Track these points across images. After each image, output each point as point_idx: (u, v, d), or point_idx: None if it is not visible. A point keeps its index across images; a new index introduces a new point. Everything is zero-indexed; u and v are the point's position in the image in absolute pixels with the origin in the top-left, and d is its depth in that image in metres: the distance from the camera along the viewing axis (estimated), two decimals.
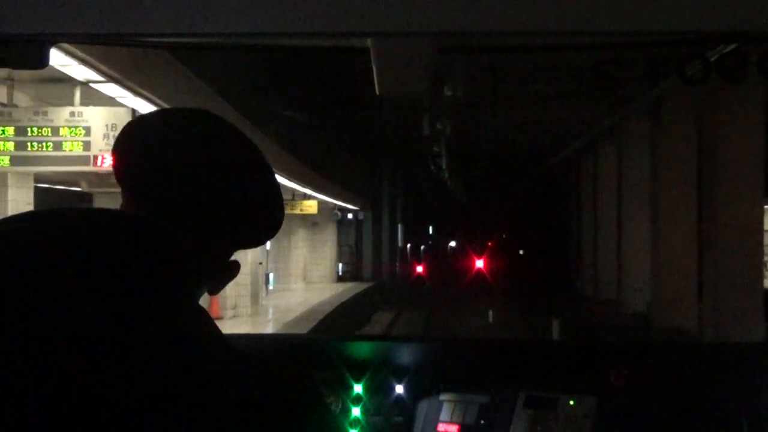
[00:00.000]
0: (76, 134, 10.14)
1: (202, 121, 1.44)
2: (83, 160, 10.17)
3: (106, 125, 10.13)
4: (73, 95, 10.23)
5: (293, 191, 25.05)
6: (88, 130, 10.14)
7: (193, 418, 1.15)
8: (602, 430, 2.52)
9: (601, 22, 1.39)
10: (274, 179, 1.48)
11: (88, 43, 3.87)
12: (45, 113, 10.27)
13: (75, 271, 1.20)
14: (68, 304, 1.16)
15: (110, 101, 10.16)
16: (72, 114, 10.22)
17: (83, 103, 10.27)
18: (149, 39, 1.72)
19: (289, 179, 20.32)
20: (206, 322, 1.28)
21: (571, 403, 2.57)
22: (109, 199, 16.97)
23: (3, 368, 1.12)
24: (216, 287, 1.48)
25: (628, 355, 2.71)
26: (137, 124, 1.44)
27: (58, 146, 10.18)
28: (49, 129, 10.18)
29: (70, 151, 10.17)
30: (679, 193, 18.61)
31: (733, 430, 2.48)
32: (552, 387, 2.62)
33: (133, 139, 1.41)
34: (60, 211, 1.32)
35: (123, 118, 10.07)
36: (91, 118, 10.17)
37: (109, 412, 1.11)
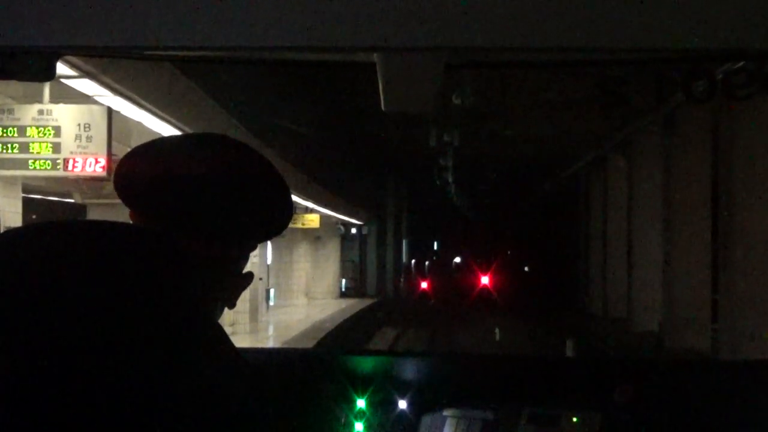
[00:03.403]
0: (45, 135, 9.26)
1: (210, 138, 1.50)
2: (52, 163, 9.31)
3: (78, 125, 9.29)
4: (41, 91, 9.34)
5: (295, 205, 25.04)
6: (57, 131, 9.27)
7: (191, 426, 1.15)
8: None
9: (607, 38, 1.39)
10: (284, 190, 1.54)
11: (95, 55, 3.88)
12: (11, 111, 9.35)
13: (81, 282, 1.20)
14: (74, 314, 1.17)
15: (83, 99, 9.29)
16: (40, 112, 9.34)
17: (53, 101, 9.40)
18: (156, 52, 1.73)
19: (291, 192, 20.24)
20: (214, 334, 1.29)
21: (575, 419, 2.56)
22: (103, 211, 16.79)
23: (11, 373, 1.12)
24: (231, 299, 1.50)
25: (633, 373, 2.70)
26: (148, 146, 1.49)
27: (24, 148, 9.30)
28: (15, 129, 9.29)
29: (38, 153, 9.29)
30: (692, 208, 18.33)
31: None
32: (556, 403, 2.61)
33: (144, 158, 1.46)
34: (67, 223, 1.33)
35: (97, 117, 9.34)
36: (61, 117, 9.31)
37: (110, 417, 1.11)
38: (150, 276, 1.25)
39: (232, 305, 1.52)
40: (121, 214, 1.45)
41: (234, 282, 1.50)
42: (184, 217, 1.39)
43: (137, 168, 1.44)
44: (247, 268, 1.54)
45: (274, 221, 1.51)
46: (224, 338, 1.30)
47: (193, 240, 1.38)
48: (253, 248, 1.53)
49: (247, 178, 1.47)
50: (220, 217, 1.41)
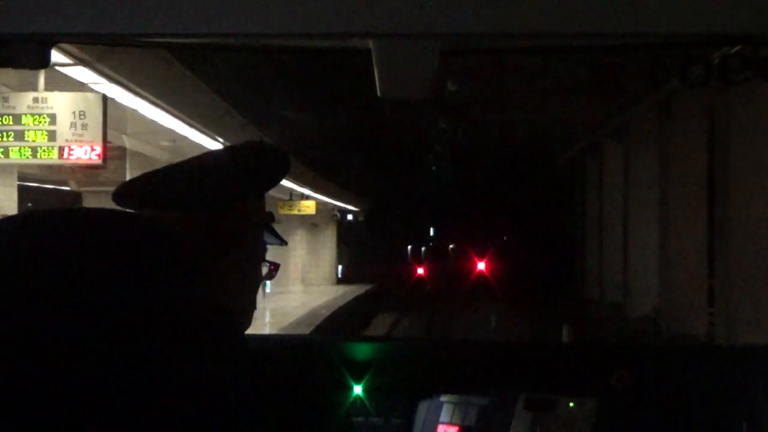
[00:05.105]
0: (40, 122, 9.20)
1: None
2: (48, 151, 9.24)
3: (73, 112, 9.22)
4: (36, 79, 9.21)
5: (291, 191, 25.02)
6: (53, 118, 9.20)
7: (190, 418, 1.15)
8: None
9: (603, 23, 1.39)
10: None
11: (90, 43, 3.87)
12: (6, 99, 9.29)
13: (76, 271, 1.20)
14: (68, 304, 1.16)
15: (79, 86, 9.35)
16: (35, 100, 9.27)
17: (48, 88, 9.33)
18: (151, 39, 1.72)
19: (286, 179, 20.26)
20: (218, 325, 1.29)
21: (571, 405, 2.57)
22: (99, 199, 16.77)
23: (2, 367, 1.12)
24: (248, 282, 1.60)
25: (629, 358, 2.71)
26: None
27: (19, 136, 9.24)
28: (10, 117, 9.22)
29: (33, 141, 9.22)
30: (689, 193, 18.26)
31: None
32: (552, 389, 2.62)
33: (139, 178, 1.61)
34: (63, 211, 1.33)
35: (92, 105, 9.26)
36: (56, 105, 9.24)
37: (106, 411, 1.11)
38: (146, 264, 1.25)
39: (248, 290, 1.61)
40: None
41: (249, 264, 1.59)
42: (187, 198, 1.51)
43: (133, 185, 1.57)
44: None
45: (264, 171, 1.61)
46: (227, 327, 1.31)
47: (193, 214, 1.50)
48: (263, 221, 1.62)
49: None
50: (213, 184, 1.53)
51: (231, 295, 1.54)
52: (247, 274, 1.60)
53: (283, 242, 1.70)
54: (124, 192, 1.54)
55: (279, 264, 1.67)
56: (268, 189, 1.65)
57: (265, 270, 1.68)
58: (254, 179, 1.59)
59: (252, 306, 1.66)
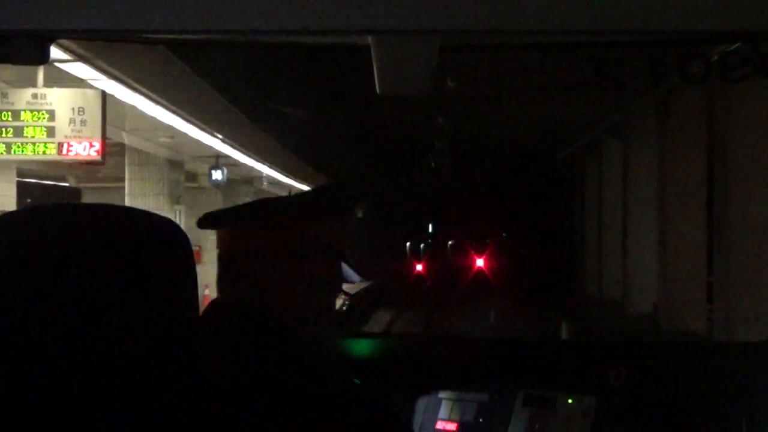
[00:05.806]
0: (39, 119, 9.20)
1: None
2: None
3: (72, 109, 9.23)
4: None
5: (290, 188, 25.06)
6: (52, 114, 9.22)
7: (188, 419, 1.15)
8: (601, 429, 2.53)
9: (603, 20, 1.39)
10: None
11: (89, 39, 3.87)
12: (5, 95, 9.30)
13: (77, 266, 1.19)
14: (68, 301, 1.16)
15: (78, 83, 9.34)
16: (34, 96, 9.28)
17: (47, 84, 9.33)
18: (150, 35, 1.72)
19: (285, 175, 20.37)
20: (222, 325, 1.30)
21: (570, 401, 2.57)
22: (98, 195, 16.73)
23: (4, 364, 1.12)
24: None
25: (627, 355, 2.71)
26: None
27: (18, 132, 9.25)
28: (10, 113, 9.23)
29: (32, 137, 9.24)
30: (688, 190, 18.30)
31: (731, 431, 2.49)
32: (551, 386, 2.62)
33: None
34: (63, 206, 1.33)
35: (92, 101, 9.28)
36: (55, 101, 9.25)
37: (106, 411, 1.11)
38: (147, 259, 1.25)
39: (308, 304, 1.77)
40: (115, 197, 1.47)
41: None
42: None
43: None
44: None
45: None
46: (243, 326, 1.32)
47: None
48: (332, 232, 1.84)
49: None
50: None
51: (286, 306, 1.71)
52: (305, 288, 1.76)
53: (359, 277, 1.88)
54: (206, 215, 1.71)
55: (351, 294, 1.79)
56: (322, 217, 1.80)
57: (339, 301, 1.82)
58: (307, 206, 1.77)
59: (317, 322, 1.83)
